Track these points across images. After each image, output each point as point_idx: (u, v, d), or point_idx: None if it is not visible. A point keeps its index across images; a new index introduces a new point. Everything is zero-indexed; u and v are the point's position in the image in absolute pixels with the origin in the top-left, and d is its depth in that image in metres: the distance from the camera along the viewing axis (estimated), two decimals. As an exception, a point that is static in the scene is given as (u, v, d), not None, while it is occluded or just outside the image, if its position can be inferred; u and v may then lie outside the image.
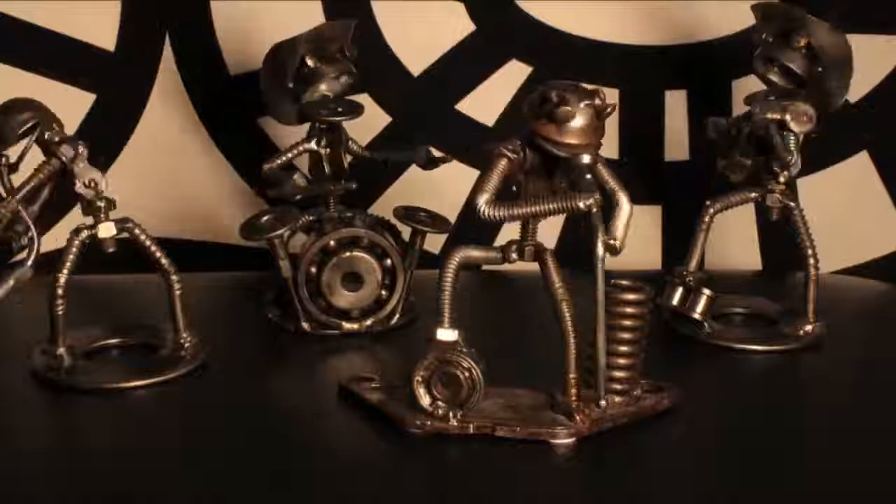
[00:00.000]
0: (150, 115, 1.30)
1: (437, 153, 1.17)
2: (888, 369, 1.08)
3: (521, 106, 0.94)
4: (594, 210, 0.92)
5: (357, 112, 1.13)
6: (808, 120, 1.07)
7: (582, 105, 0.92)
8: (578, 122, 0.92)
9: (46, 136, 1.01)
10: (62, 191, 1.15)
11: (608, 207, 0.94)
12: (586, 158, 0.92)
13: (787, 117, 1.07)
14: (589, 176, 0.93)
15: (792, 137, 1.08)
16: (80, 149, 1.01)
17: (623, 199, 0.94)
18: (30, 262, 0.98)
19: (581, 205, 0.92)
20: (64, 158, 1.01)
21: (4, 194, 1.00)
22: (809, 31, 1.08)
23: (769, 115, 1.07)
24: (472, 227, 1.19)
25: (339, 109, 1.12)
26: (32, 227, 0.99)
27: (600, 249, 0.92)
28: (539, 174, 0.94)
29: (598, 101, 0.92)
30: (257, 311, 1.15)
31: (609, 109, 0.92)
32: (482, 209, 0.92)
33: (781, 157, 1.08)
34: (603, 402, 0.94)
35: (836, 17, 1.10)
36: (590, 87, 0.93)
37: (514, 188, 0.94)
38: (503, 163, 0.93)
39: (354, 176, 1.15)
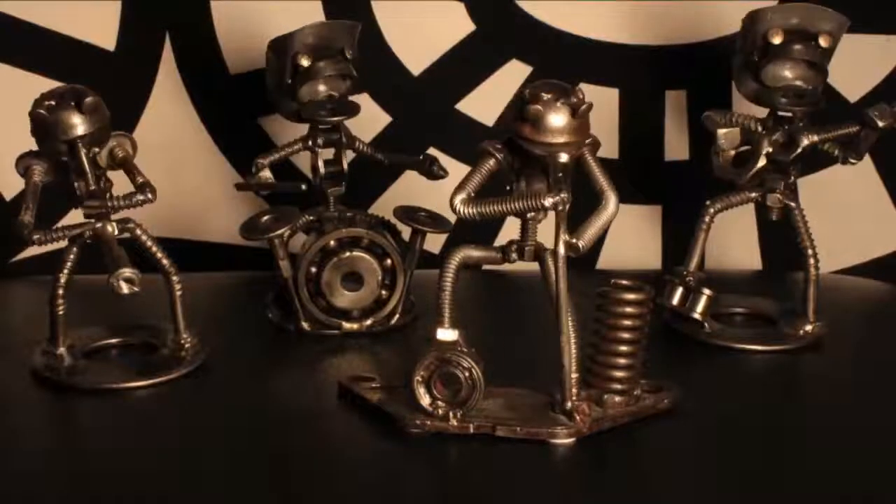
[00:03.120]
0: (150, 114, 1.30)
1: (438, 153, 1.17)
2: (888, 369, 1.08)
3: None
4: (559, 209, 0.92)
5: (353, 112, 1.13)
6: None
7: (557, 103, 0.92)
8: (554, 120, 0.91)
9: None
10: (63, 191, 1.15)
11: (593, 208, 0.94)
12: (563, 157, 0.92)
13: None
14: (561, 174, 0.92)
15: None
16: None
17: (610, 200, 0.94)
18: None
19: (546, 203, 0.92)
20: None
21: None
22: (830, 28, 1.08)
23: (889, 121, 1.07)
24: (472, 227, 1.19)
25: (336, 110, 1.12)
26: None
27: (561, 248, 0.93)
28: (531, 174, 0.94)
29: (573, 99, 0.92)
30: (257, 311, 1.15)
31: (585, 107, 0.92)
32: (457, 207, 0.93)
33: (859, 158, 1.08)
34: (568, 404, 0.94)
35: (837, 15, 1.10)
36: (567, 84, 0.93)
37: (508, 187, 0.94)
38: (489, 161, 0.94)
39: (354, 176, 1.15)
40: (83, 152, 1.00)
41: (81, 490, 0.92)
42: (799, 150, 1.08)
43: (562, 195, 0.91)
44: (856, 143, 1.09)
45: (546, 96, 0.91)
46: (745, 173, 1.09)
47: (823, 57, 1.09)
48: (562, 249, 0.93)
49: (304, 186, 1.14)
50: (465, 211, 0.93)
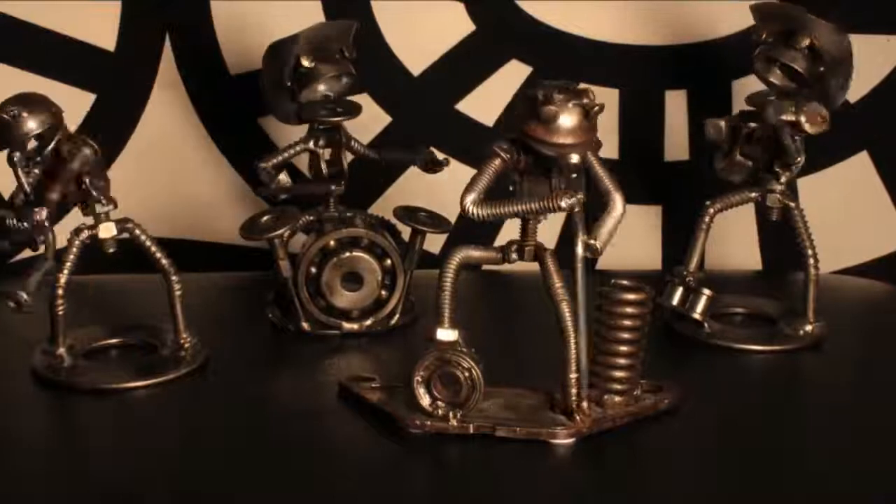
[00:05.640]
0: (150, 115, 1.30)
1: (439, 155, 1.17)
2: (888, 369, 1.08)
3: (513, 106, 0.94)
4: (576, 209, 0.92)
5: (354, 112, 1.13)
6: (822, 121, 1.06)
7: (570, 104, 0.92)
8: (566, 121, 0.92)
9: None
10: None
11: (601, 208, 0.94)
12: (574, 158, 0.92)
13: (802, 119, 1.06)
14: (575, 175, 0.93)
15: (797, 138, 1.08)
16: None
17: (617, 201, 0.94)
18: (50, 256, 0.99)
19: (563, 204, 0.92)
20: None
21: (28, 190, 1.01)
22: (812, 31, 1.08)
23: (784, 117, 1.06)
24: (472, 227, 1.19)
25: (338, 110, 1.12)
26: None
27: (580, 249, 0.93)
28: (536, 174, 0.94)
29: (585, 101, 0.92)
30: (257, 311, 1.15)
31: (597, 108, 0.92)
32: (468, 208, 0.93)
33: (791, 159, 1.08)
34: (584, 405, 0.95)
35: (836, 16, 1.10)
36: (580, 86, 0.93)
37: (511, 188, 0.94)
38: (496, 162, 0.93)
39: (354, 176, 1.15)
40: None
41: (81, 490, 0.92)
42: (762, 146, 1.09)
43: (577, 196, 0.92)
44: (781, 146, 1.08)
45: (559, 97, 0.91)
46: (722, 163, 1.10)
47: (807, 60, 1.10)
48: (580, 250, 0.93)
49: (333, 186, 1.13)
50: (478, 212, 0.93)
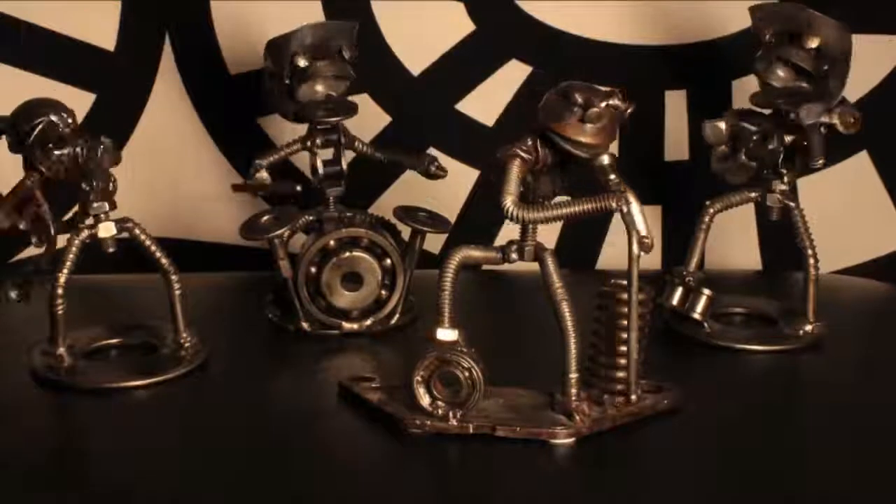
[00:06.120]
0: (150, 115, 1.30)
1: (438, 153, 1.17)
2: (888, 369, 1.08)
3: (522, 105, 0.94)
4: (624, 210, 0.92)
5: (351, 113, 1.13)
6: (854, 122, 1.06)
7: (603, 105, 0.92)
8: (603, 122, 0.92)
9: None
10: (62, 190, 1.15)
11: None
12: (606, 159, 0.93)
13: (836, 121, 1.06)
14: (613, 176, 0.93)
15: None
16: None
17: (633, 198, 0.94)
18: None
19: (614, 204, 0.92)
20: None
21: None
22: (819, 30, 1.08)
23: (820, 119, 1.06)
24: (471, 227, 1.19)
25: (334, 110, 1.12)
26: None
27: (636, 248, 0.93)
28: (548, 173, 0.94)
29: (618, 102, 0.92)
30: (257, 311, 1.15)
31: (630, 109, 0.93)
32: (511, 211, 0.92)
33: (813, 160, 1.07)
34: (634, 397, 0.96)
35: (836, 16, 1.10)
36: (606, 88, 0.93)
37: (522, 188, 0.94)
38: (518, 163, 0.93)
39: (354, 176, 1.15)
40: None
41: (81, 490, 0.92)
42: (772, 146, 1.08)
43: (626, 196, 0.92)
44: (809, 146, 1.08)
45: (596, 99, 0.92)
46: (727, 165, 1.10)
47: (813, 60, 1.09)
48: (636, 249, 0.93)
49: (298, 188, 1.14)
50: (523, 215, 0.92)
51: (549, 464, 0.94)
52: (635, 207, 0.93)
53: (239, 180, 1.30)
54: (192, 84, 1.30)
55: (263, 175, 1.14)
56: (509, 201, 0.92)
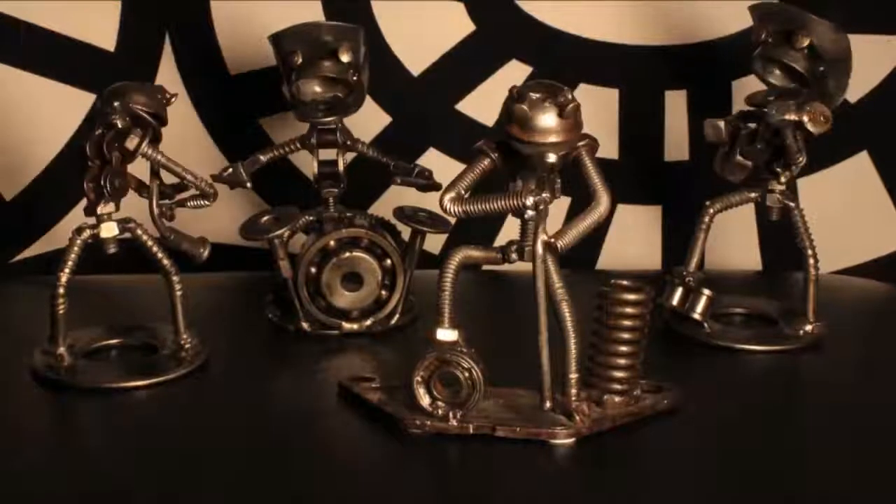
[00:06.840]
0: (150, 115, 1.29)
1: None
2: (888, 369, 1.08)
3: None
4: (540, 208, 0.92)
5: (345, 113, 1.12)
6: (825, 121, 1.06)
7: (545, 103, 0.92)
8: (542, 120, 0.92)
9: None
10: (63, 190, 1.16)
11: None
12: (551, 157, 0.92)
13: (805, 119, 1.06)
14: (548, 174, 0.93)
15: (799, 138, 1.07)
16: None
17: (602, 201, 0.93)
18: None
19: (528, 202, 0.92)
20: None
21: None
22: (811, 31, 1.08)
23: (787, 117, 1.06)
24: (471, 227, 1.19)
25: (329, 111, 1.12)
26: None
27: (539, 248, 0.93)
28: (526, 174, 0.94)
29: (560, 99, 0.92)
30: (257, 311, 1.15)
31: (571, 106, 0.92)
32: (445, 204, 0.94)
33: (793, 159, 1.07)
34: (548, 404, 0.95)
35: (837, 16, 1.10)
36: (557, 84, 0.93)
37: (505, 187, 0.95)
38: (482, 160, 0.94)
39: (354, 176, 1.15)
40: None
41: (81, 490, 0.92)
42: (759, 146, 1.08)
43: (543, 195, 0.92)
44: (785, 145, 1.08)
45: (534, 96, 0.92)
46: (727, 164, 1.10)
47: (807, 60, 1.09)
48: (539, 249, 0.93)
49: (249, 185, 1.14)
50: (453, 208, 0.94)
51: (549, 464, 0.94)
52: (594, 213, 0.93)
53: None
54: (192, 84, 1.29)
55: (241, 172, 1.14)
56: (448, 196, 0.94)
